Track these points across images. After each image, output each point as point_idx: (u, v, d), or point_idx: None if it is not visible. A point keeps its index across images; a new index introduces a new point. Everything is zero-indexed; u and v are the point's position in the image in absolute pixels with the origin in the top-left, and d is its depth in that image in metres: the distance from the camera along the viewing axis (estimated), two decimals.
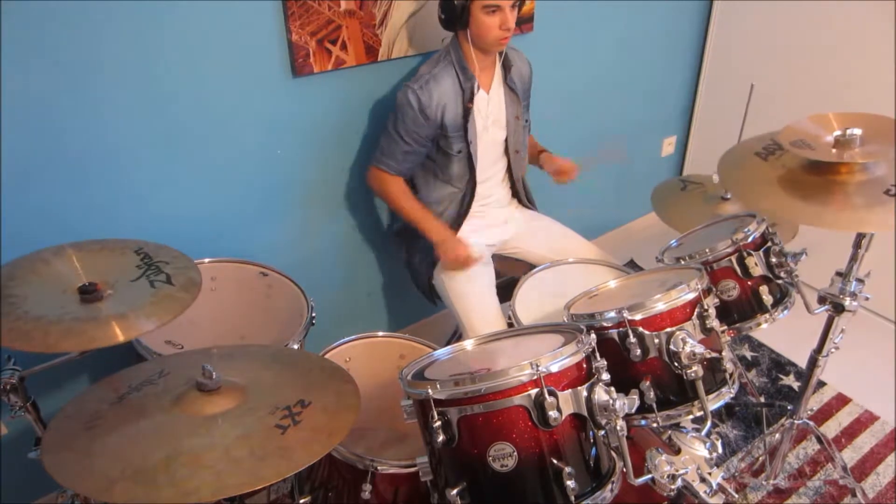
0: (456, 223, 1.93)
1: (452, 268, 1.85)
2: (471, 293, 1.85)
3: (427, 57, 1.85)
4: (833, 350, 1.64)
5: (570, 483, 1.01)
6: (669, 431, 1.24)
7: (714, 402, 1.28)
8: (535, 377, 1.01)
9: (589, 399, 1.05)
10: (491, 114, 1.86)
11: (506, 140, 1.92)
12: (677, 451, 1.19)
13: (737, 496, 1.94)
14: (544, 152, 2.08)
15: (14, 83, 1.45)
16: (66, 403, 1.09)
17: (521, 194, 2.05)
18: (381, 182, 1.88)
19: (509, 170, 1.99)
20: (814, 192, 1.38)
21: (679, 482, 1.13)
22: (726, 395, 1.30)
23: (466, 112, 1.78)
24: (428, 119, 1.74)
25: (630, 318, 1.25)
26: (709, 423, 1.25)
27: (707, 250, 1.55)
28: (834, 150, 1.38)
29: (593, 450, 1.07)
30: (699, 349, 1.22)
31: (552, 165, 2.00)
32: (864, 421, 2.20)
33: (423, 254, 1.96)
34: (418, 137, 1.78)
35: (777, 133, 1.50)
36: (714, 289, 1.51)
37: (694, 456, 1.18)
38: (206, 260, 1.76)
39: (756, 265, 1.52)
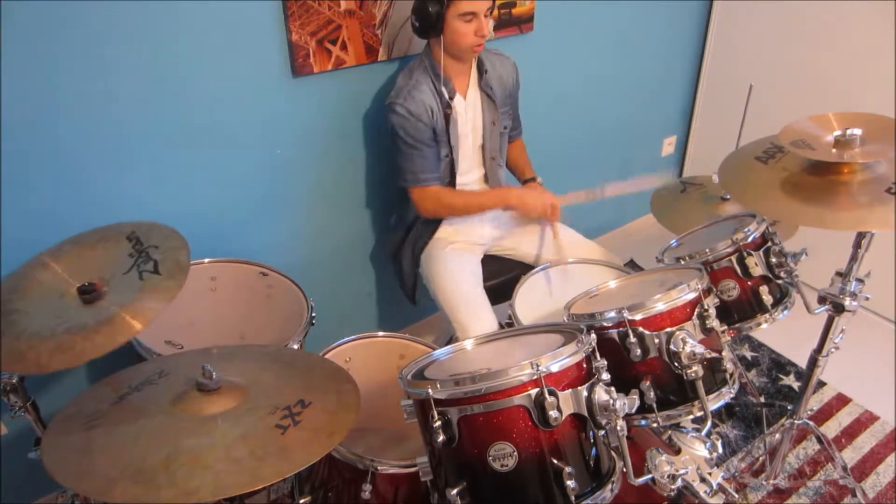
0: (435, 222, 1.94)
1: (540, 213, 1.87)
2: (457, 289, 1.87)
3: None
4: (833, 350, 1.64)
5: (571, 483, 1.01)
6: (669, 431, 1.24)
7: (714, 402, 1.28)
8: (536, 377, 1.01)
9: (589, 399, 1.05)
10: (469, 120, 1.86)
11: (482, 147, 1.92)
12: (677, 451, 1.19)
13: (737, 496, 1.94)
14: (531, 183, 2.01)
15: (15, 83, 1.45)
16: (66, 403, 1.09)
17: None
18: (432, 197, 1.85)
19: (486, 177, 1.98)
20: (815, 194, 1.38)
21: (679, 482, 1.13)
22: (726, 395, 1.30)
23: (446, 117, 1.79)
24: (424, 123, 1.75)
25: (630, 318, 1.25)
26: (709, 423, 1.25)
27: (707, 250, 1.55)
28: (834, 151, 1.38)
29: (593, 450, 1.07)
30: (699, 349, 1.22)
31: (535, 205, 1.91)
32: (864, 421, 2.20)
33: (406, 251, 1.98)
34: (426, 140, 1.78)
35: (776, 135, 1.50)
36: (714, 289, 1.51)
37: (694, 456, 1.18)
38: (206, 260, 1.76)
39: (756, 265, 1.52)
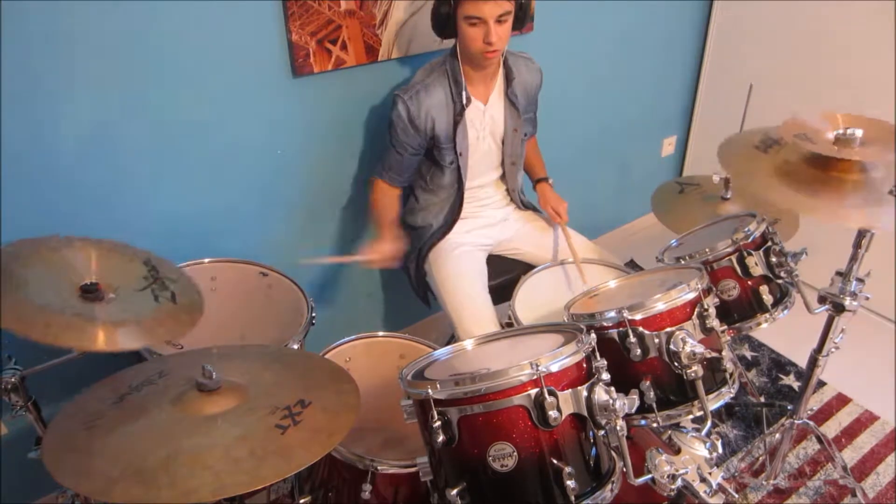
0: (447, 226, 1.93)
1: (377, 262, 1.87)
2: (461, 290, 1.86)
3: (427, 57, 1.85)
4: (833, 350, 1.64)
5: (570, 483, 1.01)
6: (669, 431, 1.24)
7: (714, 402, 1.29)
8: (535, 377, 1.01)
9: (589, 399, 1.05)
10: (486, 125, 1.84)
11: (502, 152, 1.91)
12: (677, 451, 1.19)
13: (737, 496, 1.94)
14: (543, 183, 2.05)
15: (14, 82, 1.45)
16: (66, 403, 1.09)
17: (517, 200, 2.05)
18: (377, 191, 1.90)
19: (504, 178, 1.99)
20: (814, 186, 1.38)
21: (679, 482, 1.13)
22: (726, 395, 1.30)
23: (456, 124, 1.77)
24: (417, 130, 1.73)
25: (630, 317, 1.25)
26: (709, 423, 1.25)
27: (707, 250, 1.55)
28: (835, 147, 1.38)
29: (593, 450, 1.07)
30: (699, 349, 1.22)
31: (545, 204, 2.01)
32: (864, 421, 2.20)
33: (414, 253, 1.98)
34: (409, 148, 1.77)
35: (772, 129, 1.51)
36: (714, 288, 1.51)
37: (694, 456, 1.18)
38: (206, 260, 1.76)
39: (756, 265, 1.52)
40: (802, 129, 1.44)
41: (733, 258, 1.53)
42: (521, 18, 1.70)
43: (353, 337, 1.62)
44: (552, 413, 1.00)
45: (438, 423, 1.04)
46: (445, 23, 1.67)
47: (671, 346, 1.24)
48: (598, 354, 1.13)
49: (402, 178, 1.86)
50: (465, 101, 1.75)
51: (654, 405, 1.27)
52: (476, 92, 1.79)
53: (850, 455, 2.08)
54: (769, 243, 1.54)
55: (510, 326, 1.69)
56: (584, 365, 1.09)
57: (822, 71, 2.49)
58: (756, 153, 1.50)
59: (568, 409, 1.03)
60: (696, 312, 1.28)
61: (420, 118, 1.71)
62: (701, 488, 1.13)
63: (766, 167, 1.45)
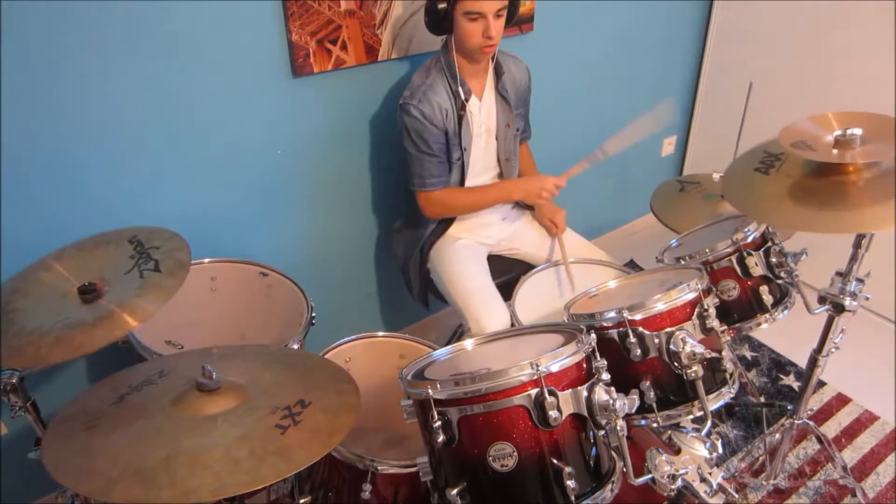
0: (447, 222, 1.94)
1: (546, 198, 1.85)
2: (467, 280, 1.86)
3: (427, 57, 1.85)
4: (833, 350, 1.64)
5: (571, 483, 1.01)
6: (669, 431, 1.24)
7: (714, 402, 1.29)
8: (535, 377, 1.01)
9: (589, 399, 1.06)
10: (483, 121, 1.86)
11: (496, 148, 1.92)
12: (677, 451, 1.19)
13: (737, 496, 1.94)
14: None
15: (13, 83, 1.45)
16: (66, 403, 1.09)
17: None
18: (437, 202, 1.85)
19: (500, 177, 1.99)
20: (820, 198, 1.35)
21: (679, 482, 1.13)
22: (726, 395, 1.30)
23: (460, 119, 1.78)
24: (437, 127, 1.75)
25: (630, 318, 1.25)
26: (709, 423, 1.25)
27: (707, 250, 1.55)
28: (835, 151, 1.37)
29: (593, 450, 1.07)
30: (699, 349, 1.22)
31: (542, 216, 2.01)
32: (864, 421, 2.20)
33: (415, 254, 1.98)
34: (441, 146, 1.78)
35: (768, 143, 1.49)
36: (714, 289, 1.51)
37: (694, 456, 1.18)
38: (206, 260, 1.76)
39: (756, 265, 1.52)
40: (800, 135, 1.43)
41: (733, 258, 1.53)
42: (513, 13, 1.73)
43: (353, 337, 1.62)
44: (552, 413, 1.00)
45: (438, 423, 1.04)
46: (442, 19, 1.68)
47: (671, 347, 1.24)
48: (598, 354, 1.13)
49: (442, 178, 1.83)
50: (465, 96, 1.77)
51: (654, 405, 1.27)
52: (471, 87, 1.80)
53: (850, 455, 2.08)
54: (769, 243, 1.54)
55: (510, 326, 1.69)
56: (585, 365, 1.09)
57: (822, 71, 2.49)
58: (758, 177, 1.46)
59: (568, 409, 1.03)
60: (696, 312, 1.28)
61: (436, 116, 1.73)
62: (701, 488, 1.13)
63: (772, 190, 1.41)
